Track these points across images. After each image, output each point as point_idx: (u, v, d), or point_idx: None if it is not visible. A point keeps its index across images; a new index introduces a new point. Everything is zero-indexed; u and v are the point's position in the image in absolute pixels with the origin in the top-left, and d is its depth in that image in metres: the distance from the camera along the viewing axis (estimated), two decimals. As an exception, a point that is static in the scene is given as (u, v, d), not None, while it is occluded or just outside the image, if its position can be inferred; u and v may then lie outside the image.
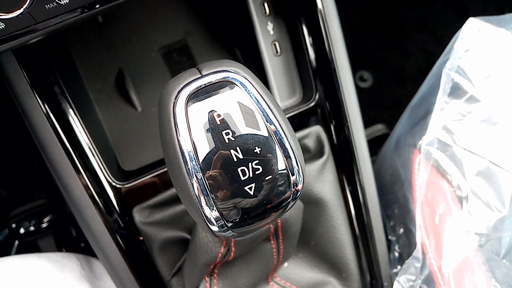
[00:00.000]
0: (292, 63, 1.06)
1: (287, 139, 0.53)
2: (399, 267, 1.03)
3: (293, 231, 0.85)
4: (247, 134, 0.51)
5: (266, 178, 0.52)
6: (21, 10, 0.58)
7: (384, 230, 1.04)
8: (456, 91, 0.99)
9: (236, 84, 0.52)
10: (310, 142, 1.00)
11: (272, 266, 0.90)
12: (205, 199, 0.51)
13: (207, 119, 0.51)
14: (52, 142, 0.87)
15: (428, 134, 0.98)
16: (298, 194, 0.57)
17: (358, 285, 1.02)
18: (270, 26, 1.04)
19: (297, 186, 0.56)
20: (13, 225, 1.40)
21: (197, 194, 0.51)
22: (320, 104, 1.01)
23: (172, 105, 0.51)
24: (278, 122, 0.53)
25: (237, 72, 0.53)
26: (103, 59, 1.06)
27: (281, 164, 0.53)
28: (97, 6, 0.67)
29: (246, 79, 0.53)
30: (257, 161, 0.51)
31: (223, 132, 0.50)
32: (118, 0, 0.67)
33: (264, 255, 0.86)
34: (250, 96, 0.52)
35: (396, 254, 1.06)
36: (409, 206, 1.02)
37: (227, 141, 0.50)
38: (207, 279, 0.86)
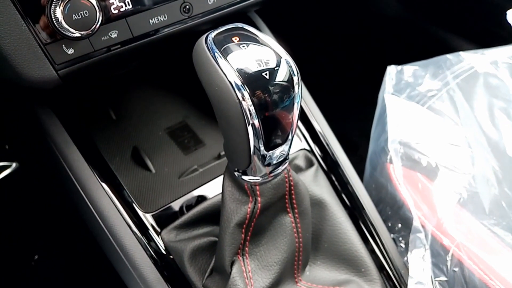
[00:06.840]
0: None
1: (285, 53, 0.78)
2: (409, 254, 1.12)
3: (304, 205, 0.98)
4: (256, 44, 0.76)
5: (275, 68, 0.75)
6: (91, 30, 0.86)
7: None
8: (399, 108, 1.29)
9: (244, 27, 0.80)
10: (301, 162, 1.21)
11: (295, 245, 0.98)
12: (236, 84, 0.72)
13: (230, 43, 0.76)
14: (89, 177, 1.05)
15: (390, 138, 1.23)
16: (299, 87, 0.78)
17: (379, 278, 1.08)
18: None
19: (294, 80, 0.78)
20: None
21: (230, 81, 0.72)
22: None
23: (205, 43, 0.77)
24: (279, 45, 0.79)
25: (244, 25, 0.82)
26: (119, 142, 1.30)
27: (283, 63, 0.77)
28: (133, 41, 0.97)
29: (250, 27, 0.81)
30: (267, 59, 0.75)
31: (241, 46, 0.76)
32: (151, 37, 0.98)
33: (285, 229, 0.96)
34: (256, 29, 0.80)
35: (402, 245, 1.15)
36: (396, 199, 1.18)
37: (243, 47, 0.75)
38: (240, 258, 0.93)
